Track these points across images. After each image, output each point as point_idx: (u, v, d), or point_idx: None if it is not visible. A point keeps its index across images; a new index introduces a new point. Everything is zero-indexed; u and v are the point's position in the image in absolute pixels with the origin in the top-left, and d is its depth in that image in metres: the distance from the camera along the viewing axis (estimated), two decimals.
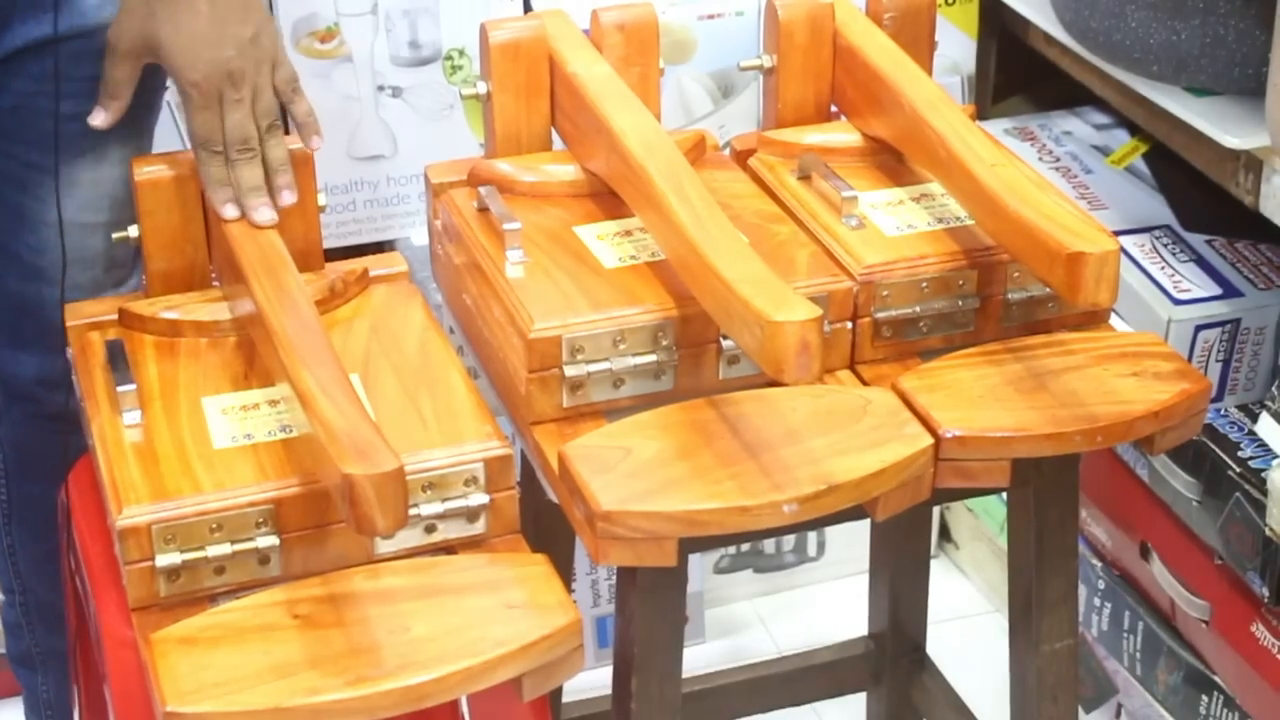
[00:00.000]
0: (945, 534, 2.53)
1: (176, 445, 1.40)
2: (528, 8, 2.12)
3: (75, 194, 1.62)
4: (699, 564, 2.38)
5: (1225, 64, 1.86)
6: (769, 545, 2.45)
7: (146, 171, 1.54)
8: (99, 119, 1.57)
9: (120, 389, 1.44)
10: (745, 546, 2.43)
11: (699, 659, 2.26)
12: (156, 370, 1.49)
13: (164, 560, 1.33)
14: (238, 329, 1.53)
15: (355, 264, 1.62)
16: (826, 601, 2.46)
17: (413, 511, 1.35)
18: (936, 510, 2.43)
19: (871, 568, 1.98)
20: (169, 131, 2.10)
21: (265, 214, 1.53)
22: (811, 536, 2.46)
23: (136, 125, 1.64)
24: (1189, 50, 1.86)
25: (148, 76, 1.58)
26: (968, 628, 2.40)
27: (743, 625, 2.44)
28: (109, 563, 1.41)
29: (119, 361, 1.47)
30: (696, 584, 2.36)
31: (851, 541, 2.43)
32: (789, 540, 2.46)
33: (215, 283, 1.59)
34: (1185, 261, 2.01)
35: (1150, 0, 1.87)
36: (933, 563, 2.00)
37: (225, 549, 1.34)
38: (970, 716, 1.91)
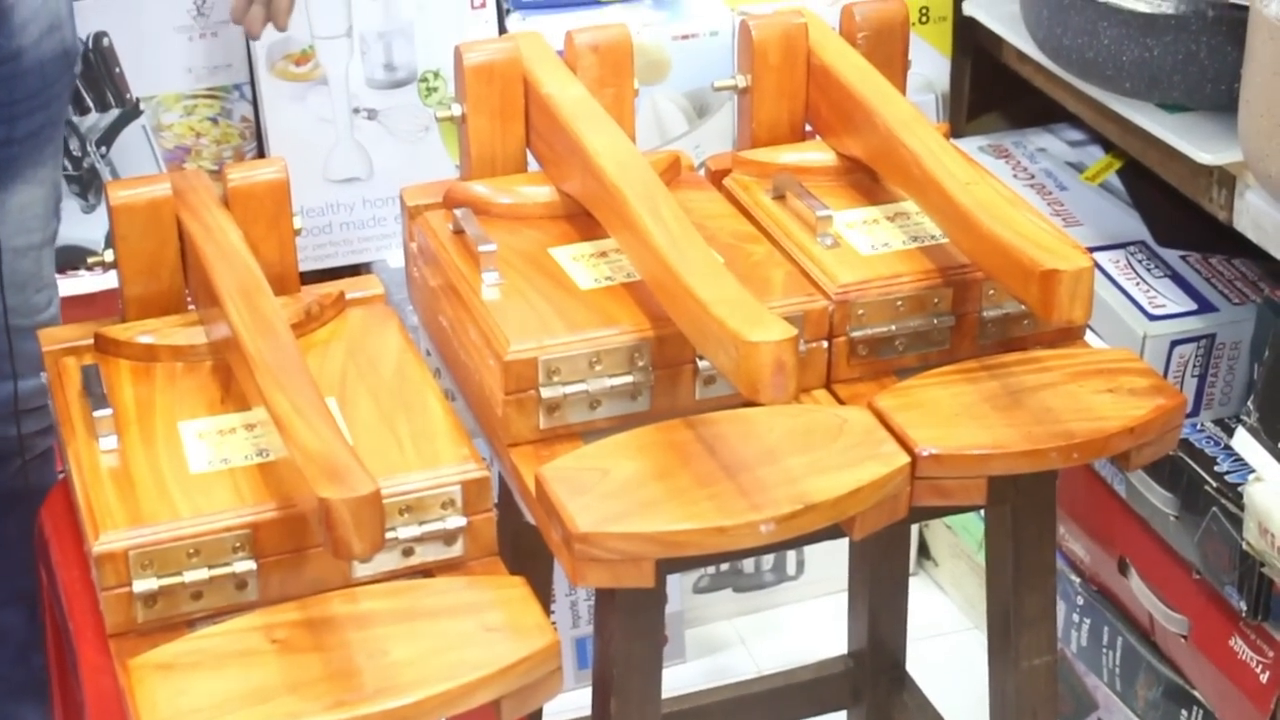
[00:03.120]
0: (924, 551, 2.54)
1: (153, 470, 1.40)
2: (502, 29, 2.12)
3: (7, 219, 1.61)
4: (678, 584, 2.38)
5: (1198, 80, 1.86)
6: (748, 565, 2.45)
7: (122, 196, 1.53)
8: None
9: (96, 414, 1.43)
10: (724, 566, 2.43)
11: (679, 679, 2.26)
12: (133, 395, 1.49)
13: (141, 586, 1.33)
14: (214, 353, 1.52)
15: (331, 287, 1.61)
16: (806, 620, 2.46)
17: (390, 535, 1.35)
18: (915, 528, 2.43)
19: (850, 586, 1.98)
20: (145, 154, 2.10)
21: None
22: (790, 555, 2.46)
23: (55, 143, 1.63)
24: (1161, 67, 1.87)
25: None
26: (947, 645, 2.40)
27: (723, 645, 2.44)
28: (86, 589, 1.40)
29: (95, 386, 1.47)
30: (676, 604, 2.35)
31: (830, 560, 2.43)
32: (768, 559, 2.46)
33: (191, 307, 1.59)
34: (1160, 277, 2.02)
35: (1122, 17, 1.87)
36: (912, 580, 2.00)
37: (203, 574, 1.34)
38: None
